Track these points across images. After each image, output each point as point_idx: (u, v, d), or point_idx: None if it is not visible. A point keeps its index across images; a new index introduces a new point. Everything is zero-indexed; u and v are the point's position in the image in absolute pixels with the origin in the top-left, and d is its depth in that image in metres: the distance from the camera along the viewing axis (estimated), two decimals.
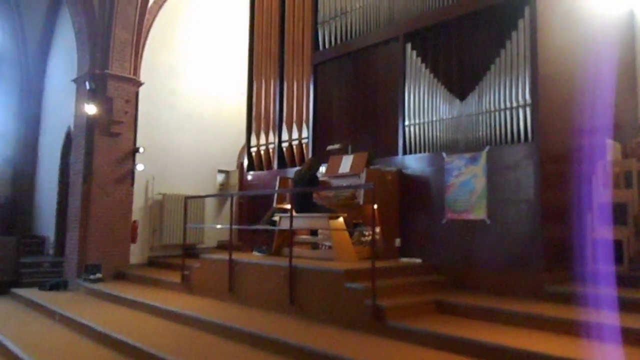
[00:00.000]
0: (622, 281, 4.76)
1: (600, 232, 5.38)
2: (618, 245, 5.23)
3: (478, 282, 5.36)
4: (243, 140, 10.48)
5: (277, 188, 7.34)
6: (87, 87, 8.83)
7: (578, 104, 5.67)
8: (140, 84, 9.56)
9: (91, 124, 8.97)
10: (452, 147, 5.86)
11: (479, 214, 5.45)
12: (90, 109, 8.83)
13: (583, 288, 4.72)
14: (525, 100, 5.23)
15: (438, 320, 4.57)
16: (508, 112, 5.36)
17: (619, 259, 5.17)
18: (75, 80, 9.47)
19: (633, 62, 7.19)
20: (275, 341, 4.47)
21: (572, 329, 3.93)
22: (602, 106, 6.02)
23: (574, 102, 5.62)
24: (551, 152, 5.23)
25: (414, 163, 6.21)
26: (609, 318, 3.90)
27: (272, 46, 8.84)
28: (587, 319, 3.96)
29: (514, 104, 5.32)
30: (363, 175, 6.12)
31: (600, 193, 5.56)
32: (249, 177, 9.08)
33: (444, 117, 5.97)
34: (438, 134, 6.05)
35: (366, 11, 7.04)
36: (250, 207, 8.81)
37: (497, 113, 5.46)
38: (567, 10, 5.74)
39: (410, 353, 3.94)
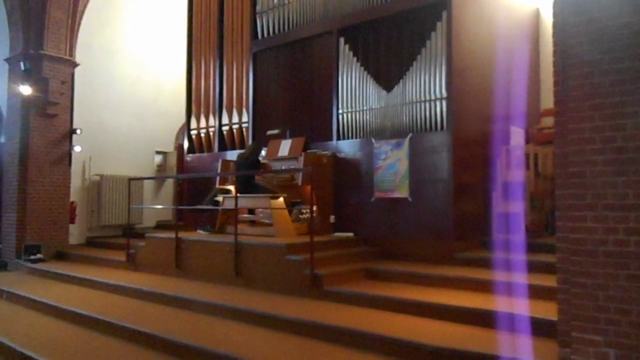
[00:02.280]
0: (519, 247, 5.70)
1: (502, 206, 6.34)
2: (519, 217, 6.20)
3: (402, 251, 6.16)
4: (180, 122, 10.75)
5: (219, 170, 7.77)
6: (22, 67, 8.73)
7: (488, 96, 6.55)
8: (76, 64, 9.53)
9: (26, 105, 8.89)
10: (380, 134, 6.57)
11: (403, 192, 6.22)
12: (25, 89, 8.76)
13: (487, 254, 5.62)
14: (442, 94, 6.01)
15: (367, 284, 5.31)
16: (427, 104, 6.13)
17: (517, 228, 6.15)
18: (8, 60, 9.29)
19: (537, 56, 8.20)
20: (224, 307, 5.02)
21: (476, 287, 4.79)
22: (508, 97, 6.96)
23: (484, 94, 6.48)
24: (463, 138, 6.06)
25: (347, 147, 6.88)
26: (506, 276, 4.78)
27: (211, 32, 9.12)
28: (488, 278, 4.83)
29: (432, 97, 6.08)
30: (301, 158, 6.70)
31: (503, 173, 6.50)
32: (189, 159, 9.40)
33: (373, 107, 6.66)
34: (368, 121, 6.73)
35: (303, 5, 7.54)
36: (190, 188, 9.16)
37: (418, 104, 6.21)
38: (480, 12, 6.54)
39: (343, 311, 4.64)
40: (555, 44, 3.28)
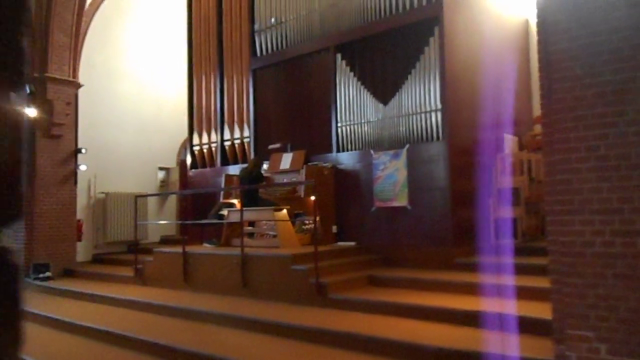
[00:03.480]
0: (516, 251, 5.90)
1: (499, 212, 6.55)
2: (514, 222, 6.41)
3: (403, 258, 6.36)
4: (182, 138, 10.99)
5: (223, 185, 7.98)
6: (27, 90, 8.96)
7: (481, 105, 6.78)
8: (79, 85, 9.77)
9: (31, 127, 9.11)
10: (379, 145, 6.79)
11: (402, 201, 6.43)
12: (31, 112, 8.98)
13: (486, 258, 5.82)
14: (436, 105, 6.24)
15: (370, 291, 5.50)
16: (423, 115, 6.36)
17: (514, 233, 6.36)
18: None
19: (528, 65, 8.46)
20: (233, 317, 5.21)
21: (475, 291, 4.98)
22: (501, 105, 7.20)
23: (477, 104, 6.72)
24: (458, 147, 6.29)
25: (347, 159, 7.11)
26: (505, 280, 4.97)
27: (210, 50, 9.39)
28: (487, 282, 5.02)
29: (428, 109, 6.32)
30: (303, 171, 6.92)
31: (499, 180, 6.72)
32: (191, 174, 9.61)
33: (371, 119, 6.90)
34: (366, 133, 6.97)
35: (300, 23, 7.81)
36: (194, 203, 9.36)
37: (414, 116, 6.44)
38: (470, 25, 6.81)
39: (348, 317, 4.83)
40: (540, 59, 3.51)
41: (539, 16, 3.55)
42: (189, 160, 9.82)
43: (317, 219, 6.45)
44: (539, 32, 3.51)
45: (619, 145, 3.09)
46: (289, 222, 6.85)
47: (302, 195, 6.94)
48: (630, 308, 3.01)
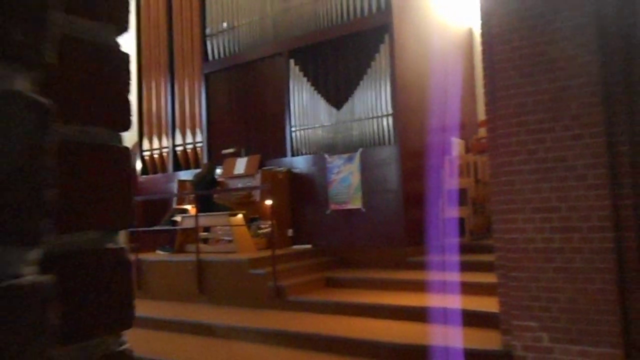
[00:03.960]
0: (465, 249, 6.18)
1: (448, 212, 6.83)
2: (462, 222, 6.71)
3: (358, 259, 6.52)
4: (130, 144, 10.74)
5: (176, 191, 7.90)
6: None
7: (430, 110, 7.06)
8: None
9: None
10: (333, 149, 6.94)
11: (356, 204, 6.60)
12: None
13: (436, 257, 6.06)
14: (387, 110, 6.46)
15: (327, 292, 5.62)
16: (375, 120, 6.56)
17: (462, 232, 6.65)
18: None
19: (472, 72, 8.86)
20: (188, 323, 5.19)
21: (427, 288, 5.19)
22: (448, 110, 7.52)
23: (426, 109, 6.99)
24: (409, 151, 6.52)
25: (301, 163, 7.21)
26: (455, 276, 5.21)
27: (160, 54, 9.26)
28: (438, 279, 5.24)
29: (379, 114, 6.52)
30: (258, 175, 6.96)
31: (447, 182, 7.01)
32: (142, 180, 9.43)
33: (325, 124, 7.04)
34: (320, 137, 7.10)
35: (252, 28, 7.85)
36: (145, 210, 9.18)
37: (367, 121, 6.63)
38: (419, 33, 7.08)
39: (306, 318, 4.93)
40: (484, 68, 3.74)
41: (482, 27, 3.78)
42: (139, 166, 9.63)
43: (273, 223, 6.51)
44: (483, 43, 3.74)
45: (556, 149, 3.35)
46: (245, 227, 6.87)
47: (258, 200, 6.98)
48: (569, 298, 3.26)
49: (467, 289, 4.89)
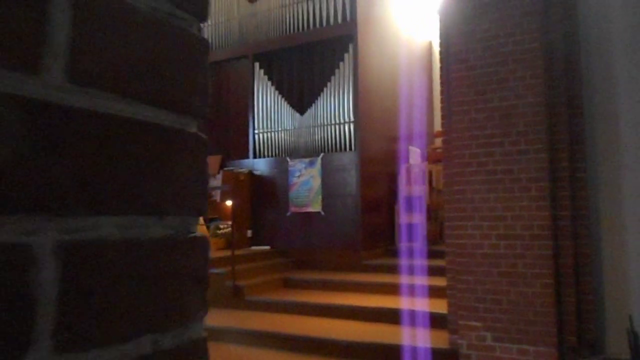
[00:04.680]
0: (418, 254, 6.46)
1: (404, 218, 7.11)
2: (417, 227, 6.99)
3: (316, 261, 6.69)
4: None
5: None
6: None
7: (390, 119, 7.33)
8: None
9: None
10: (295, 153, 7.09)
11: (316, 207, 6.77)
12: None
13: (392, 260, 6.31)
14: (349, 117, 6.67)
15: (285, 292, 5.76)
16: (337, 127, 6.76)
17: (417, 237, 6.93)
18: None
19: (431, 83, 9.22)
20: None
21: (383, 290, 5.42)
22: (407, 119, 7.82)
23: (387, 117, 7.25)
24: (369, 157, 6.75)
25: (263, 165, 7.32)
26: (409, 279, 5.46)
27: None
28: (393, 281, 5.48)
29: (341, 120, 6.73)
30: (219, 176, 7.03)
31: (404, 188, 7.29)
32: None
33: (288, 127, 7.18)
34: (283, 141, 7.23)
35: (217, 29, 7.91)
36: None
37: (329, 126, 6.82)
38: (382, 44, 7.34)
39: (265, 317, 5.05)
40: (441, 84, 3.99)
41: (441, 45, 4.03)
42: None
43: (233, 223, 6.59)
44: (442, 60, 3.99)
45: (504, 162, 3.62)
46: (204, 227, 6.91)
47: (218, 200, 7.04)
48: (511, 300, 3.53)
49: (420, 291, 5.14)
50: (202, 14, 0.52)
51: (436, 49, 9.31)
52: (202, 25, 0.51)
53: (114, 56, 0.40)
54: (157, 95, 0.44)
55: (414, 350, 3.86)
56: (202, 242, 0.47)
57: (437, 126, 8.85)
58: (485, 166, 3.66)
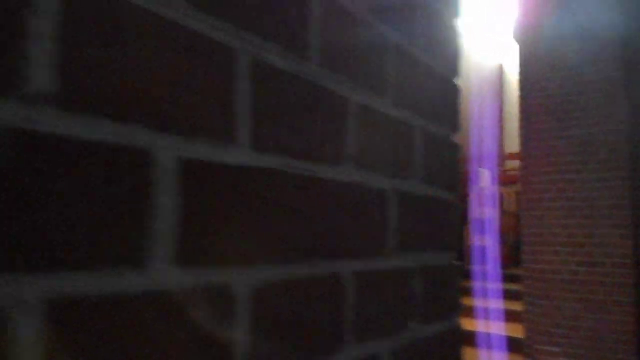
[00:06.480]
0: (488, 277, 6.46)
1: (475, 240, 7.12)
2: (486, 250, 6.98)
3: None
4: None
5: None
6: None
7: (460, 140, 7.39)
8: None
9: None
10: None
11: None
12: None
13: (463, 282, 6.32)
14: None
15: None
16: None
17: (486, 260, 6.92)
18: None
19: (502, 105, 9.20)
20: None
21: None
22: (478, 141, 7.86)
23: (457, 139, 7.33)
24: None
25: None
26: (480, 302, 5.49)
27: None
28: (465, 303, 5.51)
29: None
30: None
31: (474, 211, 7.31)
32: None
33: None
34: None
35: None
36: None
37: None
38: None
39: None
40: (520, 111, 4.10)
41: (520, 74, 4.15)
42: None
43: None
44: (521, 89, 4.10)
45: (584, 189, 3.67)
46: None
47: None
48: (590, 328, 3.55)
49: (494, 314, 5.16)
50: (455, 128, 0.78)
51: (507, 73, 9.30)
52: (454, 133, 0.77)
53: (426, 164, 0.66)
54: (444, 182, 0.70)
55: None
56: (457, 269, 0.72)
57: (508, 148, 8.81)
58: (564, 192, 3.72)
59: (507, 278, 6.22)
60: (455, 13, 0.73)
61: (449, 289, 0.67)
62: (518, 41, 4.26)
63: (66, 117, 0.27)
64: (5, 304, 0.25)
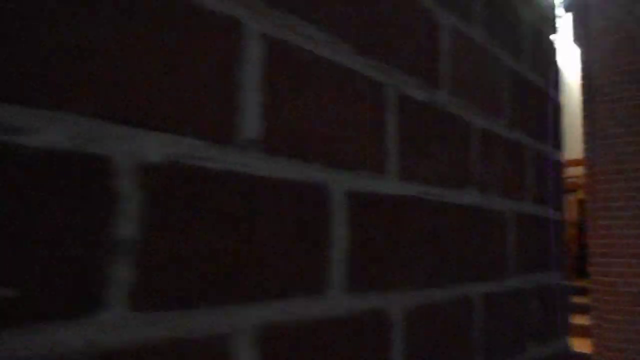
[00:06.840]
0: None
1: None
2: None
3: None
4: None
5: None
6: None
7: None
8: None
9: None
10: None
11: None
12: None
13: None
14: None
15: None
16: None
17: None
18: None
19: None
20: None
21: None
22: None
23: None
24: None
25: None
26: None
27: None
28: None
29: None
30: None
31: None
32: None
33: None
34: None
35: None
36: None
37: None
38: None
39: None
40: (584, 117, 3.95)
41: (583, 79, 4.00)
42: None
43: None
44: (584, 93, 3.96)
45: None
46: None
47: None
48: None
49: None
50: (559, 146, 0.79)
51: (565, 76, 8.99)
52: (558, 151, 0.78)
53: (530, 184, 0.67)
54: (551, 201, 0.71)
55: None
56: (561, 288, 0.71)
57: (567, 155, 8.49)
58: (634, 201, 3.56)
59: (571, 290, 5.98)
60: (553, 30, 0.72)
61: (560, 309, 0.67)
62: (576, 42, 4.13)
63: (267, 160, 0.30)
64: (224, 332, 0.27)
